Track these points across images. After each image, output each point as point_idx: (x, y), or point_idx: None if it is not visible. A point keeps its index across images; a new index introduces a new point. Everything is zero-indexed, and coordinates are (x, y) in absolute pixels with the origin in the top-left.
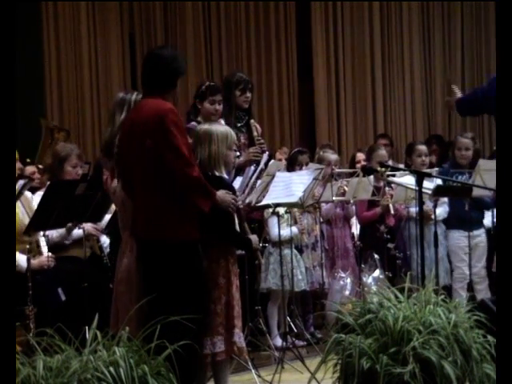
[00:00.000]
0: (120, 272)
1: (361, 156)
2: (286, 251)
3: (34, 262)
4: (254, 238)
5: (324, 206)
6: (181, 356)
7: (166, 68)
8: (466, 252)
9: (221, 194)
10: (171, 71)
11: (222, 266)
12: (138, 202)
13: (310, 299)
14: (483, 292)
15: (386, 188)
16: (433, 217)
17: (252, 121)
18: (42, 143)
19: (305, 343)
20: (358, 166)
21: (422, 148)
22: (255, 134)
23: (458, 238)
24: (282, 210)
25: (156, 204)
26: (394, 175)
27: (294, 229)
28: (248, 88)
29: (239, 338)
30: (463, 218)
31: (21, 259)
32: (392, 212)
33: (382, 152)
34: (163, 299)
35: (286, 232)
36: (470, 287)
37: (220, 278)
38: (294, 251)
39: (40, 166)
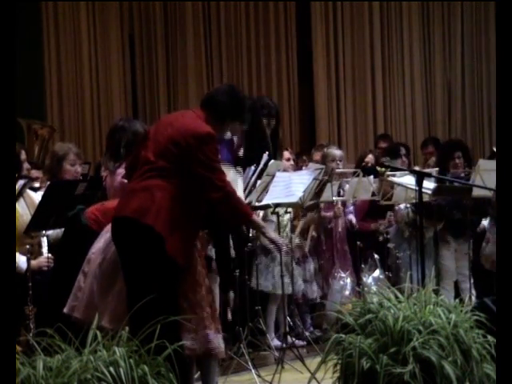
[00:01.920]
0: (90, 253)
1: (371, 158)
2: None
3: (34, 262)
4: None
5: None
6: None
7: (228, 107)
8: (453, 250)
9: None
10: (229, 111)
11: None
12: (130, 187)
13: (307, 315)
14: (466, 291)
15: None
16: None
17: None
18: (28, 141)
19: (304, 343)
20: None
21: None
22: None
23: (447, 239)
24: (281, 211)
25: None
26: (394, 175)
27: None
28: (272, 115)
29: (209, 339)
30: (452, 222)
31: (20, 260)
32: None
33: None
34: (133, 284)
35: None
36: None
37: (187, 275)
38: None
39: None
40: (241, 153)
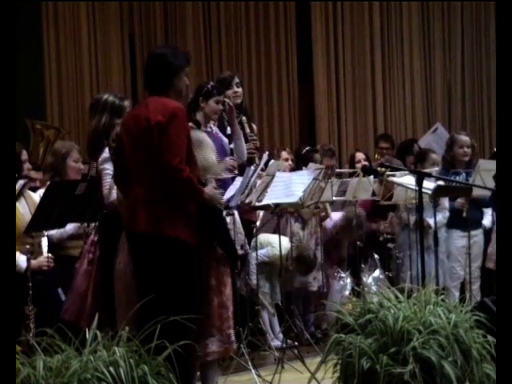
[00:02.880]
0: (116, 270)
1: (360, 155)
2: None
3: (34, 262)
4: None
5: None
6: (179, 355)
7: (161, 66)
8: (463, 252)
9: (209, 190)
10: (166, 69)
11: (213, 267)
12: (137, 195)
13: (313, 299)
14: (474, 292)
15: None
16: (431, 224)
17: (244, 118)
18: (33, 142)
19: (296, 343)
20: (358, 165)
21: None
22: (247, 130)
23: (456, 237)
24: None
25: (156, 199)
26: (394, 175)
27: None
28: (235, 83)
29: (232, 339)
30: (463, 217)
31: (20, 259)
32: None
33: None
34: (157, 296)
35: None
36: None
37: (211, 279)
38: None
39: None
40: (232, 145)
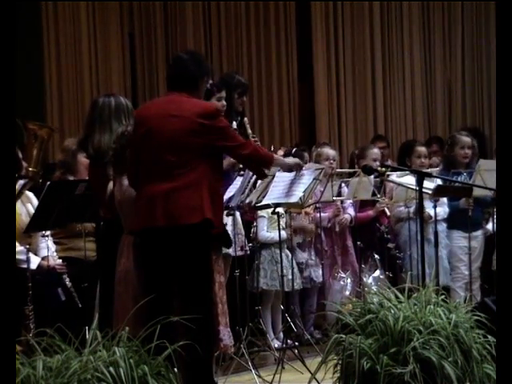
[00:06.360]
0: (118, 272)
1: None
2: (278, 251)
3: (51, 261)
4: None
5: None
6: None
7: (188, 70)
8: (466, 252)
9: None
10: (193, 73)
11: None
12: (156, 190)
13: (313, 299)
14: (474, 292)
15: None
16: (432, 215)
17: (245, 119)
18: (27, 143)
19: (296, 343)
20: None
21: (422, 149)
22: (249, 131)
23: (458, 238)
24: (281, 210)
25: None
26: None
27: (283, 232)
28: (245, 93)
29: (224, 335)
30: (464, 218)
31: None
32: (388, 213)
33: (375, 150)
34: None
35: (273, 234)
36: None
37: None
38: (287, 251)
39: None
40: None
